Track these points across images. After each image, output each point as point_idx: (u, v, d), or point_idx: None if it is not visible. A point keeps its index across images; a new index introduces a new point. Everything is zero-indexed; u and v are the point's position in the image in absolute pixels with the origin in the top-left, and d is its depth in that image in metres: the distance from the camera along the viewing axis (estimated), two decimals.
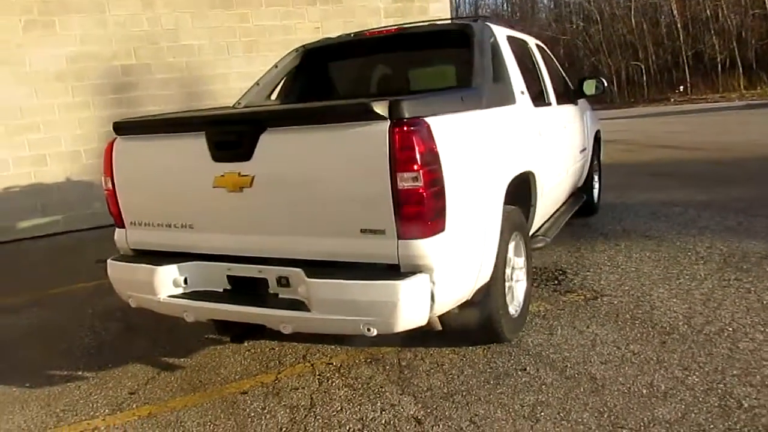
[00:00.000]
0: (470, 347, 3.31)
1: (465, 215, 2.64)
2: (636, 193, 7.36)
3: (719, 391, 2.65)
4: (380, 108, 2.32)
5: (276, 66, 4.16)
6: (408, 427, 2.60)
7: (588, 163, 5.68)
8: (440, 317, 2.66)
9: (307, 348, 3.50)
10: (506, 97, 3.49)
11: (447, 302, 2.63)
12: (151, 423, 2.82)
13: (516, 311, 3.42)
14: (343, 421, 2.69)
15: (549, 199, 4.12)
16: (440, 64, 4.06)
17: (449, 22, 3.95)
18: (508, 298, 3.36)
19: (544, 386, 2.85)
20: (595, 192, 6.33)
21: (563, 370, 2.98)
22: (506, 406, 2.70)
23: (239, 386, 3.11)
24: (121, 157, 2.98)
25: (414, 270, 2.41)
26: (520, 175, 3.42)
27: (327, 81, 4.28)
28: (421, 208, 2.36)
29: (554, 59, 5.22)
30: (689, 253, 4.64)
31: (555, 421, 2.54)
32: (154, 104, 7.71)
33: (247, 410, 2.86)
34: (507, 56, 3.68)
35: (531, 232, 3.93)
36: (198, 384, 3.18)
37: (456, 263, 2.59)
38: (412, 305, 2.39)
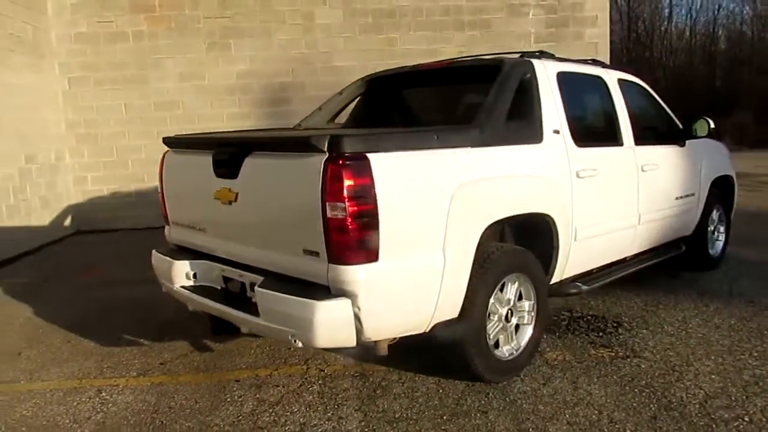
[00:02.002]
0: (455, 381, 3.31)
1: (411, 249, 2.72)
2: None
3: None
4: (320, 142, 2.55)
5: (341, 93, 4.53)
6: None
7: (697, 211, 5.08)
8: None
9: (316, 353, 3.79)
10: (525, 136, 3.42)
11: (383, 330, 2.75)
12: (154, 390, 3.36)
13: (511, 354, 3.34)
14: (288, 422, 2.94)
15: (593, 245, 3.87)
16: (467, 99, 4.06)
17: (492, 57, 3.92)
18: (500, 339, 3.31)
19: (480, 431, 2.80)
20: (718, 244, 5.61)
21: (521, 422, 2.88)
22: None
23: (238, 374, 3.52)
24: (167, 166, 3.60)
25: (340, 293, 2.59)
26: (525, 216, 3.34)
27: (385, 108, 4.52)
28: (346, 237, 2.53)
29: (653, 96, 4.81)
30: None
31: None
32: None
33: (228, 396, 3.26)
34: (545, 94, 3.58)
35: (562, 278, 3.76)
36: (212, 366, 3.66)
37: (393, 294, 2.69)
38: (329, 325, 2.57)
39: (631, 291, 4.86)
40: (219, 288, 3.30)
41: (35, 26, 7.96)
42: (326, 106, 4.51)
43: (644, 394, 3.13)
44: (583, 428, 2.81)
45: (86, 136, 8.75)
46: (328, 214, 2.53)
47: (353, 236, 2.53)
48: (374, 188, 2.56)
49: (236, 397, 3.24)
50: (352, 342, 2.66)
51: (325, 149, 2.55)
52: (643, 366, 3.47)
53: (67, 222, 8.55)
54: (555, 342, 3.88)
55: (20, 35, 7.56)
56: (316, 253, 2.62)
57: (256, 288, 2.80)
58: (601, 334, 4.00)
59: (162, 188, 3.67)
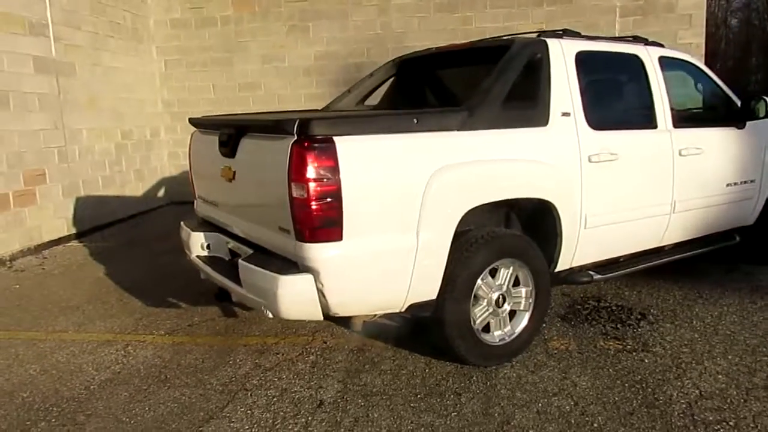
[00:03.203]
0: (445, 363, 3.36)
1: (380, 231, 2.80)
2: None
3: None
4: (289, 125, 2.69)
5: (371, 75, 4.61)
6: (307, 406, 2.94)
7: (758, 199, 4.65)
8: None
9: (327, 326, 3.97)
10: (528, 119, 3.33)
11: (350, 306, 2.87)
12: (173, 348, 3.71)
13: (502, 339, 3.33)
14: (272, 387, 3.16)
15: (610, 233, 3.70)
16: (478, 80, 3.97)
17: (508, 37, 3.80)
18: (492, 324, 3.31)
19: (455, 414, 2.84)
20: None
21: (490, 407, 2.89)
22: (404, 419, 2.81)
23: (248, 340, 3.80)
24: (193, 145, 3.91)
25: (305, 269, 2.74)
26: (523, 201, 3.29)
27: (414, 89, 4.53)
28: (309, 217, 2.66)
29: (707, 75, 4.42)
30: None
31: None
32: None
33: (231, 358, 3.54)
34: (557, 75, 3.45)
35: (572, 265, 3.65)
36: (231, 331, 3.97)
37: (359, 272, 2.79)
38: (293, 298, 2.73)
39: (675, 282, 4.59)
40: (226, 259, 3.57)
41: (134, 13, 8.72)
42: (355, 88, 4.62)
43: (633, 389, 3.01)
44: (551, 418, 2.78)
45: (179, 114, 9.47)
46: (293, 194, 2.67)
47: (316, 216, 2.65)
48: (339, 170, 2.66)
49: (238, 360, 3.51)
50: (318, 316, 2.80)
51: (294, 132, 2.68)
52: (646, 361, 3.32)
53: (161, 193, 9.37)
54: (566, 330, 3.79)
55: (120, 22, 8.32)
56: (288, 231, 2.78)
57: (239, 260, 3.02)
58: (619, 325, 3.84)
59: (190, 165, 4.00)
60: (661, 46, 4.32)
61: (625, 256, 4.01)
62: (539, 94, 3.40)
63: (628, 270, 3.95)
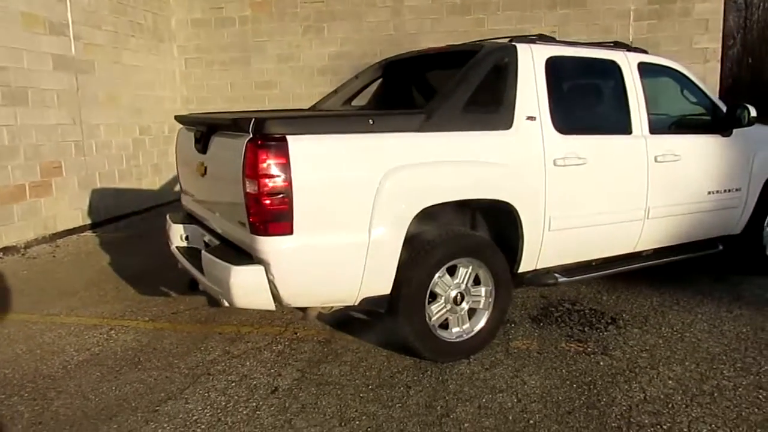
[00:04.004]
0: (405, 357, 3.46)
1: (331, 227, 2.92)
2: None
3: None
4: (246, 124, 2.84)
5: (356, 77, 4.74)
6: (261, 392, 3.09)
7: (744, 208, 4.60)
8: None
9: (301, 317, 4.11)
10: (490, 122, 3.40)
11: (301, 298, 3.01)
12: (153, 334, 3.91)
13: (460, 337, 3.42)
14: (233, 373, 3.31)
15: (577, 236, 3.75)
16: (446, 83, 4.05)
17: (477, 43, 3.88)
18: (450, 321, 3.40)
19: (399, 405, 2.95)
20: None
21: (435, 400, 2.99)
22: (349, 408, 2.93)
23: (224, 329, 3.97)
24: (179, 141, 4.10)
25: (258, 261, 2.88)
26: (483, 202, 3.37)
27: (399, 91, 4.64)
28: (261, 211, 2.80)
29: (691, 82, 4.39)
30: None
31: (358, 430, 2.72)
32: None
33: (204, 345, 3.71)
34: (524, 80, 3.52)
35: (536, 267, 3.71)
36: (211, 320, 4.14)
37: (309, 266, 2.92)
38: (245, 289, 2.88)
39: (656, 288, 4.59)
40: (200, 250, 3.74)
41: (155, 14, 9.04)
42: (342, 89, 4.76)
43: (579, 390, 3.06)
44: (490, 413, 2.86)
45: (198, 111, 9.78)
46: (247, 189, 2.82)
47: (267, 210, 2.79)
48: (290, 168, 2.79)
49: (209, 347, 3.68)
50: (270, 305, 2.94)
51: (249, 130, 2.83)
52: (601, 364, 3.36)
53: (177, 187, 9.68)
54: (533, 331, 3.85)
55: (141, 22, 8.65)
56: (244, 224, 2.93)
57: (202, 251, 3.19)
58: (586, 328, 3.88)
59: (176, 159, 4.19)
60: (644, 52, 4.33)
61: (597, 260, 4.05)
62: (504, 98, 3.47)
63: (596, 274, 3.99)
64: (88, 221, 7.45)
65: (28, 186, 6.52)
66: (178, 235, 3.86)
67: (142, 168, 8.67)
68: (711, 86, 8.19)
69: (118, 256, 6.00)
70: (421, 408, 2.92)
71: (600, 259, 4.05)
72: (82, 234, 7.18)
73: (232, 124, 3.03)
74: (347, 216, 2.97)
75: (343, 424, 2.78)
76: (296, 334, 3.87)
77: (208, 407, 2.94)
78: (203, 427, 2.77)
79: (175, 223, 3.88)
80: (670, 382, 3.13)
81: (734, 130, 4.42)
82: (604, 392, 3.03)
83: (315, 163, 2.87)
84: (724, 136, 4.40)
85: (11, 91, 6.26)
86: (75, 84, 7.24)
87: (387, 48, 9.20)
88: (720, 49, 8.43)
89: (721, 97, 8.14)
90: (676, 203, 4.16)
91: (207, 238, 3.65)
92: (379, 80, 4.77)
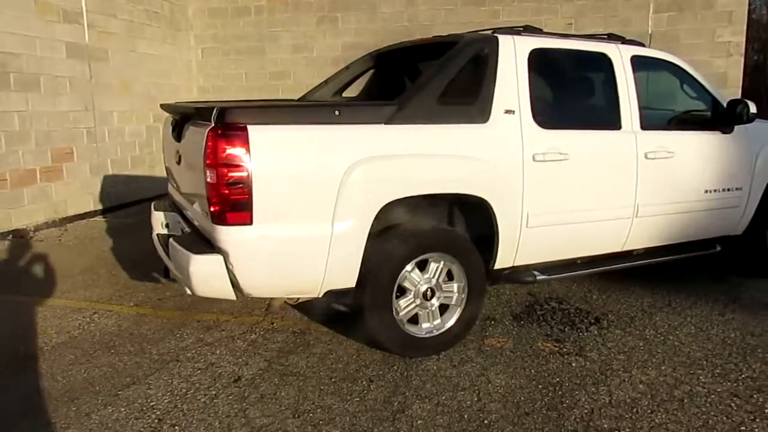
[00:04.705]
0: (375, 351, 3.43)
1: (293, 218, 2.90)
2: None
3: None
4: (208, 113, 2.83)
5: (347, 67, 4.70)
6: (224, 380, 3.10)
7: (746, 208, 4.42)
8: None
9: (281, 308, 4.12)
10: (465, 115, 3.33)
11: (261, 288, 3.01)
12: (134, 319, 3.96)
13: (430, 332, 3.37)
14: (201, 360, 3.34)
15: (558, 233, 3.65)
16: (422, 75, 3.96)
17: (459, 34, 3.79)
18: (420, 316, 3.36)
19: (357, 399, 2.93)
20: None
21: (394, 395, 2.96)
22: (307, 399, 2.92)
23: (203, 316, 4.00)
24: (164, 129, 4.13)
25: (218, 250, 2.89)
26: (455, 197, 3.31)
27: (389, 82, 4.57)
28: (220, 201, 2.80)
29: (690, 77, 4.21)
30: None
31: (310, 423, 2.71)
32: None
33: (180, 332, 3.74)
34: (504, 72, 3.43)
35: (514, 264, 3.63)
36: (193, 307, 4.17)
37: (269, 256, 2.90)
38: (204, 277, 2.89)
39: (650, 288, 4.46)
40: None
41: (172, 3, 9.14)
42: (333, 79, 4.73)
43: (544, 391, 2.99)
44: (446, 411, 2.81)
45: (213, 100, 9.88)
46: (207, 178, 2.82)
47: (226, 199, 2.79)
48: (250, 158, 2.78)
49: (185, 333, 3.72)
50: (230, 295, 2.95)
51: (212, 120, 2.83)
52: (573, 365, 3.28)
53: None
54: (512, 329, 3.78)
55: (157, 11, 8.76)
56: (207, 214, 2.94)
57: (170, 240, 3.21)
58: (567, 328, 3.79)
59: (162, 147, 4.23)
60: (641, 45, 4.18)
61: (582, 257, 3.94)
62: (481, 91, 3.39)
63: (579, 272, 3.90)
64: (99, 206, 7.60)
65: (39, 170, 6.68)
66: (159, 222, 3.89)
67: (156, 155, 8.79)
68: (733, 81, 7.90)
69: (121, 242, 6.11)
70: (378, 403, 2.89)
71: (586, 257, 3.95)
72: (92, 219, 7.34)
73: (198, 113, 3.03)
74: (309, 207, 2.94)
75: (296, 415, 2.77)
76: (273, 324, 3.87)
77: (168, 393, 2.97)
78: (158, 413, 2.79)
79: (157, 210, 3.92)
80: (641, 386, 3.03)
81: (736, 128, 4.24)
82: (568, 394, 2.95)
83: (276, 154, 2.86)
84: (724, 133, 4.22)
85: (23, 77, 6.41)
86: (88, 71, 7.37)
87: (400, 38, 9.05)
88: (744, 43, 8.11)
89: (744, 93, 7.87)
90: (668, 202, 4.02)
91: (181, 225, 3.68)
92: (371, 71, 4.71)
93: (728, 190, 4.28)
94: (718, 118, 4.23)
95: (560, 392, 2.98)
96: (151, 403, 2.88)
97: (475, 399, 2.92)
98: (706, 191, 4.18)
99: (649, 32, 8.19)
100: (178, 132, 3.41)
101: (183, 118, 3.38)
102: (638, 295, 4.36)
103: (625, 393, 2.96)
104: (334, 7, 9.26)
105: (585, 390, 3.00)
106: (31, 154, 6.56)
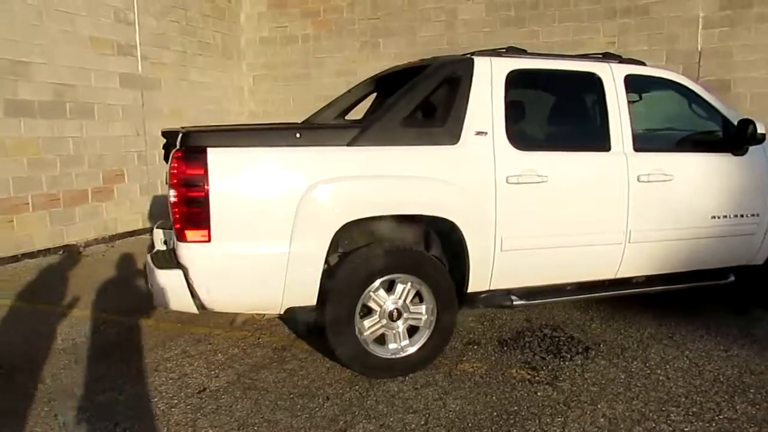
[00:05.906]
0: (346, 370, 3.47)
1: (251, 237, 3.02)
2: None
3: None
4: (175, 137, 3.03)
5: (350, 91, 4.81)
6: (189, 391, 3.24)
7: (766, 235, 4.12)
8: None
9: (273, 324, 4.23)
10: (433, 137, 3.34)
11: (222, 304, 3.13)
12: (137, 329, 4.21)
13: (395, 353, 3.38)
14: (176, 371, 3.50)
15: (537, 258, 3.56)
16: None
17: (433, 57, 3.82)
18: (388, 336, 3.37)
19: (306, 416, 2.97)
20: None
21: (342, 414, 2.98)
22: (258, 413, 3.00)
23: (198, 329, 4.17)
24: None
25: (179, 266, 3.05)
26: (431, 218, 3.31)
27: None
28: (180, 218, 2.97)
29: (697, 96, 4.00)
30: None
31: None
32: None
33: (171, 343, 3.93)
34: (478, 94, 3.42)
35: (489, 287, 3.56)
36: (193, 321, 4.35)
37: (227, 273, 3.03)
38: (167, 291, 3.05)
39: (656, 318, 4.24)
40: None
41: (224, 33, 9.68)
42: (336, 102, 4.86)
43: (498, 420, 2.92)
44: None
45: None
46: (170, 197, 3.00)
47: (185, 218, 2.96)
48: (207, 179, 2.93)
49: (173, 345, 3.91)
50: (192, 308, 3.09)
51: (177, 143, 3.01)
52: (539, 394, 3.17)
53: None
54: (491, 354, 3.70)
55: (209, 42, 9.31)
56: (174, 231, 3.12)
57: (147, 255, 3.41)
58: (549, 356, 3.66)
59: None
60: (641, 63, 4.03)
61: (571, 283, 3.81)
62: (451, 113, 3.39)
63: (566, 298, 3.79)
64: (147, 225, 8.09)
65: (91, 191, 7.23)
66: (159, 239, 4.13)
67: None
68: None
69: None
70: (325, 420, 2.92)
71: (574, 282, 3.81)
72: (139, 237, 7.82)
73: (169, 137, 3.24)
74: (268, 227, 3.05)
75: (241, 428, 2.86)
76: (259, 339, 4.00)
77: (135, 400, 3.14)
78: (118, 417, 2.96)
79: (158, 228, 4.16)
80: (602, 419, 2.89)
81: (752, 149, 3.98)
82: (519, 424, 2.86)
83: (235, 175, 3.00)
84: (736, 154, 3.97)
85: (78, 106, 7.00)
86: (140, 99, 7.93)
87: None
88: None
89: None
90: (667, 227, 3.82)
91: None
92: (373, 94, 4.81)
93: (742, 216, 4.01)
94: (729, 139, 3.99)
95: (512, 421, 2.89)
96: (116, 408, 3.05)
97: (422, 422, 2.89)
98: (714, 217, 3.93)
99: (699, 49, 7.81)
100: (167, 154, 3.64)
101: (168, 141, 3.61)
102: (641, 325, 4.14)
103: (580, 427, 2.83)
104: (376, 33, 9.47)
105: (539, 420, 2.89)
106: (84, 176, 7.12)
